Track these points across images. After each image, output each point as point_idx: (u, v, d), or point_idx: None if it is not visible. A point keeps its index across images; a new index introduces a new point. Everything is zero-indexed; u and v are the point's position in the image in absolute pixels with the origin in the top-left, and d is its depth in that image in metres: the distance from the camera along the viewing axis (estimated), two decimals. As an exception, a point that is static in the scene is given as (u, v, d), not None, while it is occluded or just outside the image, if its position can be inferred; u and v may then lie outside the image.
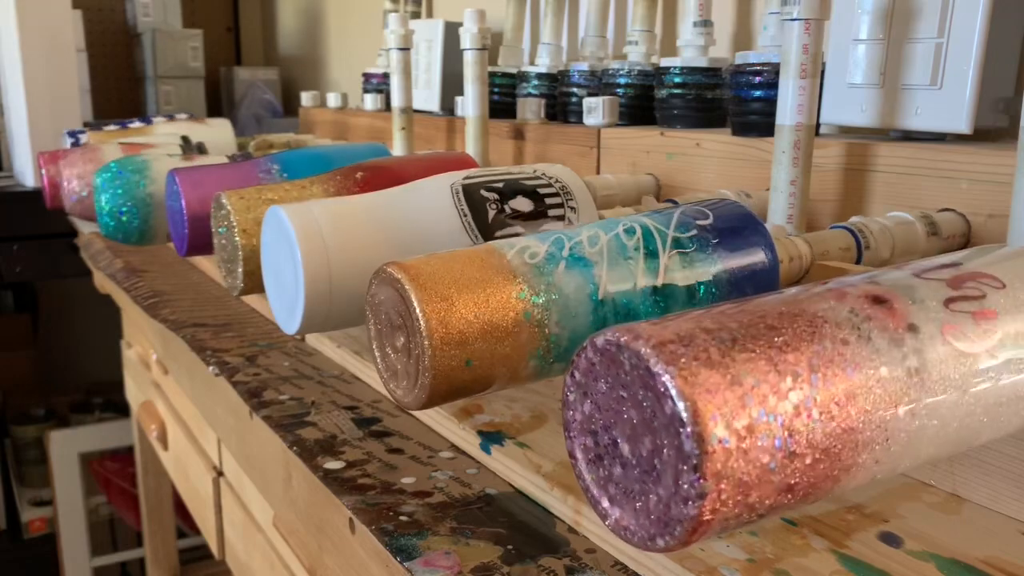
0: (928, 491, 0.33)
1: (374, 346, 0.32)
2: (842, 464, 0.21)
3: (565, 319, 0.30)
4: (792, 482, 0.21)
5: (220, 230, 0.46)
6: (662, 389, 0.20)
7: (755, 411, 0.20)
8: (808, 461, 0.21)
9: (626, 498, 0.22)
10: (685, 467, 0.19)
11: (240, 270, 0.44)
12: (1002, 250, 0.29)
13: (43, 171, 0.77)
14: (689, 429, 0.19)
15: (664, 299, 0.32)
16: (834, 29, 0.52)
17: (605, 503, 0.22)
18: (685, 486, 0.20)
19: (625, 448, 0.21)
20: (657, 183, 0.64)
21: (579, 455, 0.23)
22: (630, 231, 0.33)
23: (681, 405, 0.19)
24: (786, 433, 0.20)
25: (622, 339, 0.21)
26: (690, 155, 0.62)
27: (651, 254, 0.32)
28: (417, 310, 0.28)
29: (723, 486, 0.19)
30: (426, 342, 0.28)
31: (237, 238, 0.44)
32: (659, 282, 0.32)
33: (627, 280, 0.31)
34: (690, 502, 0.19)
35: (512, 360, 0.30)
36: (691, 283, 0.32)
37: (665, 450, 0.20)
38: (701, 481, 0.19)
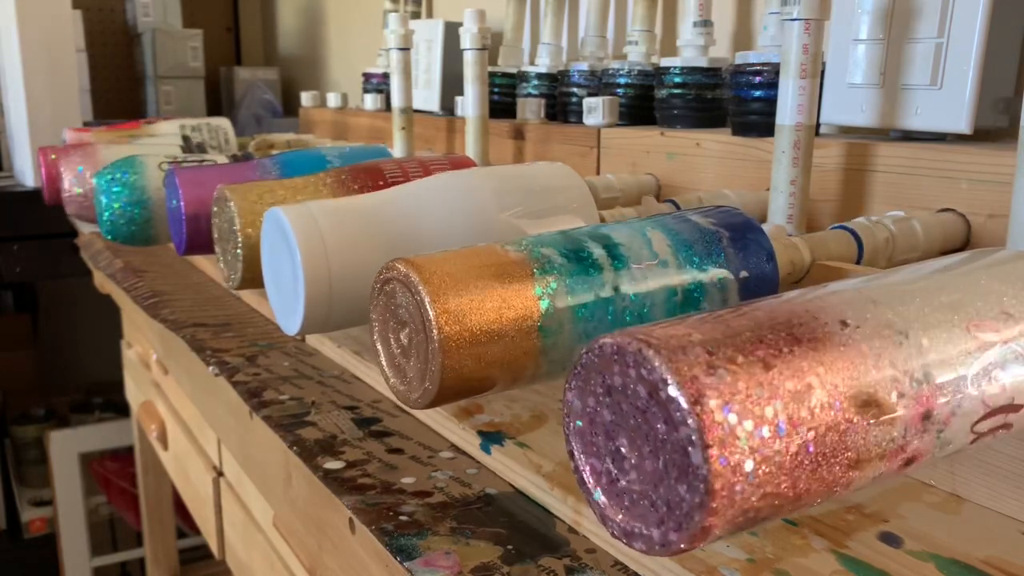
0: (928, 491, 0.33)
1: (378, 343, 0.32)
2: (843, 468, 0.21)
3: (575, 318, 0.30)
4: (795, 487, 0.21)
5: (219, 224, 0.46)
6: (667, 395, 0.20)
7: (759, 417, 0.20)
8: (812, 467, 0.21)
9: (628, 502, 0.22)
10: (690, 474, 0.19)
11: (240, 262, 0.44)
12: (1000, 254, 0.29)
13: (43, 166, 0.77)
14: (694, 435, 0.19)
15: (670, 303, 0.32)
16: (834, 29, 0.52)
17: (606, 506, 0.22)
18: (689, 493, 0.20)
19: (628, 451, 0.21)
20: (657, 183, 0.64)
21: (580, 457, 0.23)
22: (638, 236, 0.33)
23: (686, 410, 0.19)
24: (790, 438, 0.20)
25: (628, 344, 0.21)
26: (690, 155, 0.62)
27: (656, 260, 0.32)
28: (428, 306, 0.28)
29: (727, 493, 0.19)
30: (436, 339, 0.28)
31: (237, 230, 0.44)
32: (663, 286, 0.32)
33: (636, 282, 0.31)
34: (694, 508, 0.19)
35: (521, 358, 0.30)
36: (693, 289, 0.32)
37: (669, 455, 0.20)
38: (706, 488, 0.19)
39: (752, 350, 0.21)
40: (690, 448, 0.19)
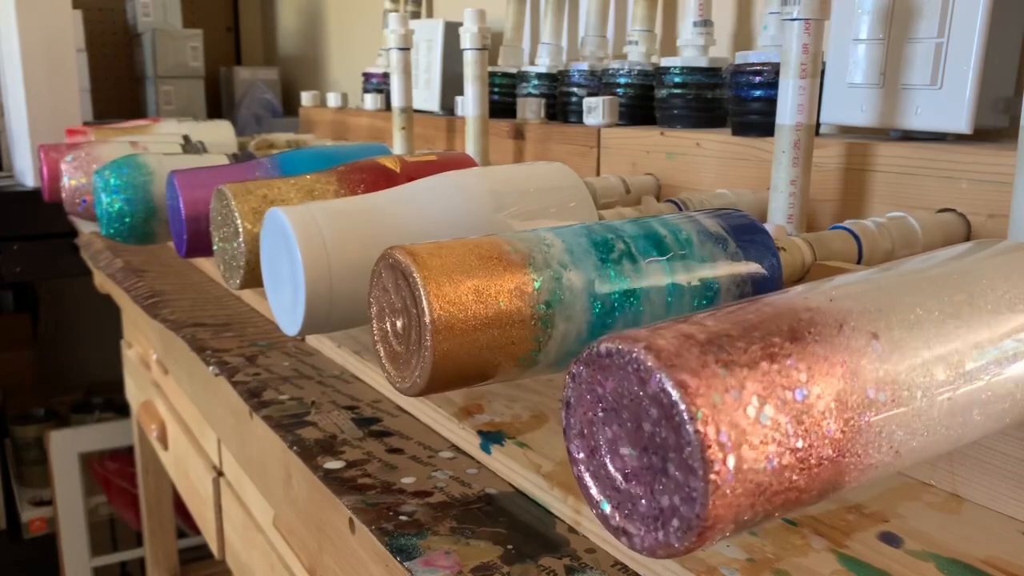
0: (928, 491, 0.33)
1: (375, 331, 0.32)
2: (844, 466, 0.21)
3: (569, 313, 0.30)
4: (795, 487, 0.21)
5: (220, 223, 0.46)
6: (665, 396, 0.20)
7: (757, 417, 0.20)
8: (811, 466, 0.21)
9: (628, 503, 0.22)
10: (689, 476, 0.19)
11: (242, 261, 0.44)
12: (1000, 245, 0.29)
13: (42, 163, 0.77)
14: (693, 438, 0.19)
15: (670, 301, 0.32)
16: (834, 29, 0.52)
17: (606, 508, 0.22)
18: (689, 495, 0.19)
19: (627, 453, 0.21)
20: (657, 183, 0.64)
21: (580, 459, 0.23)
22: (638, 234, 0.33)
23: (684, 414, 0.19)
24: (789, 438, 0.20)
25: (625, 346, 0.21)
26: (690, 155, 0.62)
27: (655, 258, 0.32)
28: (421, 291, 0.29)
29: (727, 494, 0.19)
30: (428, 324, 0.28)
31: (239, 228, 0.44)
32: (663, 283, 0.32)
33: (633, 280, 0.31)
34: (694, 510, 0.19)
35: (513, 351, 0.30)
36: (695, 288, 0.32)
37: (668, 457, 0.20)
38: (705, 490, 0.19)
39: (752, 350, 0.21)
40: (689, 450, 0.19)
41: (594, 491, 0.23)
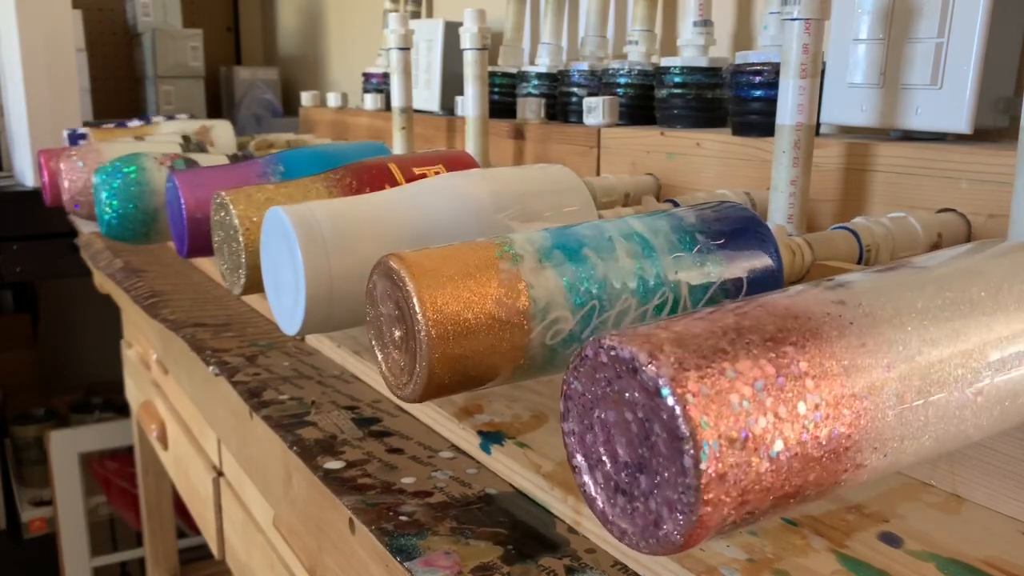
0: (928, 491, 0.33)
1: (373, 337, 0.32)
2: (841, 465, 0.21)
3: (564, 315, 0.30)
4: (791, 485, 0.21)
5: (220, 230, 0.46)
6: (659, 396, 0.20)
7: (753, 416, 0.20)
8: (807, 464, 0.21)
9: (625, 502, 0.22)
10: (682, 473, 0.19)
11: (243, 268, 0.44)
12: (1003, 245, 0.29)
13: (43, 168, 0.77)
14: (686, 436, 0.19)
15: (664, 301, 0.32)
16: (834, 29, 0.52)
17: (604, 506, 0.22)
18: (682, 492, 0.19)
19: (623, 452, 0.21)
20: (657, 183, 0.64)
21: (578, 458, 0.23)
22: (635, 231, 0.33)
23: (678, 412, 0.19)
24: (784, 436, 0.20)
25: (619, 346, 0.21)
26: (690, 155, 0.62)
27: (654, 255, 0.32)
28: (414, 299, 0.29)
29: (721, 492, 0.19)
30: (422, 332, 0.28)
31: (240, 236, 0.44)
32: (660, 282, 0.32)
33: (628, 278, 0.31)
34: (688, 508, 0.19)
35: (510, 354, 0.30)
36: (693, 286, 0.32)
37: (662, 456, 0.20)
38: (698, 488, 0.19)
39: (749, 350, 0.21)
40: (682, 449, 0.19)
41: (592, 490, 0.23)
